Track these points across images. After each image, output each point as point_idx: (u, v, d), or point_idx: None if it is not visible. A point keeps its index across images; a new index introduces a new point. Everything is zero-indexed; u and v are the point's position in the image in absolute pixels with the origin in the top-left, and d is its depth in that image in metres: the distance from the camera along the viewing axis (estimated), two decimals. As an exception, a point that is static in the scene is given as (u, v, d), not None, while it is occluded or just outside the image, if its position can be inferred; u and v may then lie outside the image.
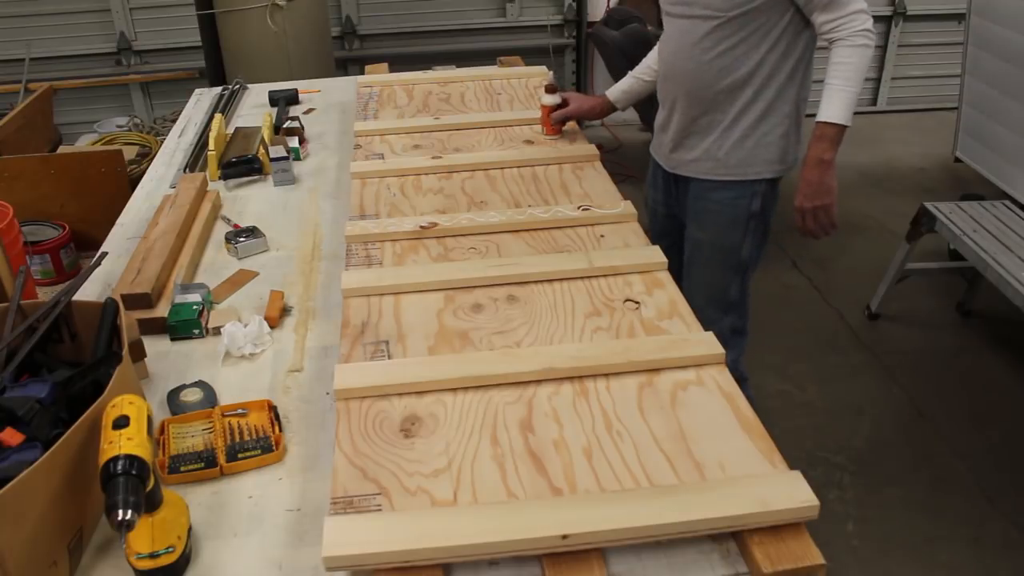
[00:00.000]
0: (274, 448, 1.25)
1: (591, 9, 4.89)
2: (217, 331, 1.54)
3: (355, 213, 1.86)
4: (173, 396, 1.38)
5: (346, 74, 4.78)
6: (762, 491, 1.06)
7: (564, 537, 1.02)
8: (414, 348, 1.41)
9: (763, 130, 1.95)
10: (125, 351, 1.19)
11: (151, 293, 1.60)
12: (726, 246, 2.06)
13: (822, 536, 1.06)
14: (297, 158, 2.30)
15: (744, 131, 1.95)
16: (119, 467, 0.96)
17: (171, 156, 2.41)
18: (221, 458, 1.23)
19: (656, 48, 2.14)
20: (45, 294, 1.69)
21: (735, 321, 2.14)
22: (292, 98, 2.75)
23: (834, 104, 1.82)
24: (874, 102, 5.39)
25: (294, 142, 2.31)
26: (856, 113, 1.86)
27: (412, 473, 1.14)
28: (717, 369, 1.33)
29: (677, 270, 2.07)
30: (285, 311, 1.63)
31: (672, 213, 2.21)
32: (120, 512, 0.93)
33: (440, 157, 2.10)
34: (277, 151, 2.17)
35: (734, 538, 1.06)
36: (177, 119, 2.76)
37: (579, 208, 1.83)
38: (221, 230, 1.95)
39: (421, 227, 1.76)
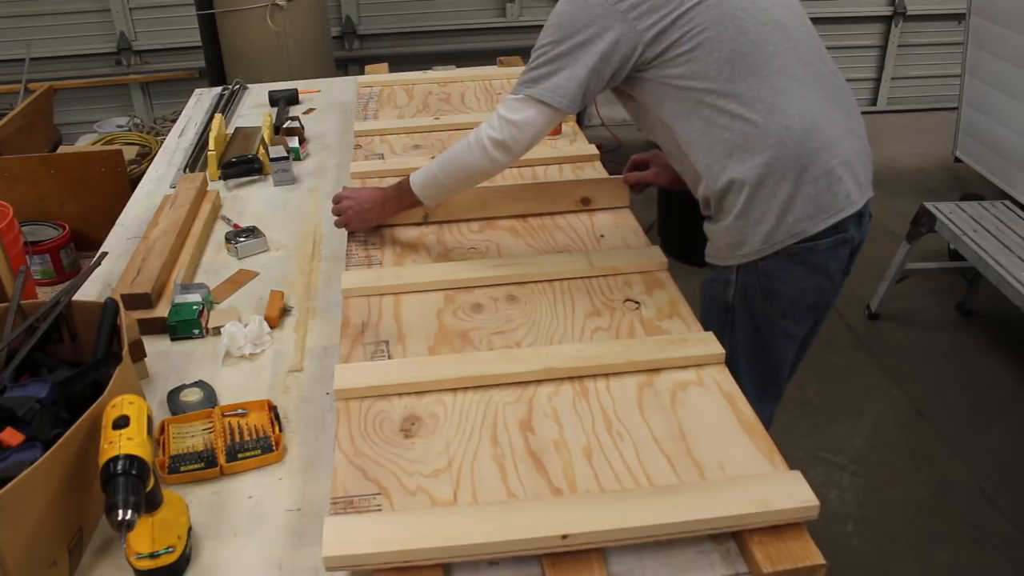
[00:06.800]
0: (274, 448, 1.25)
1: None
2: (217, 331, 1.54)
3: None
4: (173, 396, 1.38)
5: (346, 74, 4.78)
6: (762, 491, 1.06)
7: (564, 537, 1.02)
8: (414, 348, 1.41)
9: (721, 208, 1.55)
10: (125, 351, 1.19)
11: (151, 293, 1.60)
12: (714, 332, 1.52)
13: (822, 536, 1.05)
14: (297, 158, 2.30)
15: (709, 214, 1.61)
16: (119, 467, 0.96)
17: (171, 156, 2.41)
18: (221, 458, 1.23)
19: None
20: (45, 294, 1.68)
21: (758, 408, 1.38)
22: (292, 98, 2.75)
23: (419, 172, 1.64)
24: (874, 102, 5.39)
25: (294, 142, 2.31)
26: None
27: (412, 473, 1.14)
28: (717, 369, 1.33)
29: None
30: (285, 311, 1.63)
31: None
32: (120, 512, 0.93)
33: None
34: (277, 151, 2.17)
35: (734, 538, 1.06)
36: (177, 119, 2.76)
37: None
38: (221, 230, 1.95)
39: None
